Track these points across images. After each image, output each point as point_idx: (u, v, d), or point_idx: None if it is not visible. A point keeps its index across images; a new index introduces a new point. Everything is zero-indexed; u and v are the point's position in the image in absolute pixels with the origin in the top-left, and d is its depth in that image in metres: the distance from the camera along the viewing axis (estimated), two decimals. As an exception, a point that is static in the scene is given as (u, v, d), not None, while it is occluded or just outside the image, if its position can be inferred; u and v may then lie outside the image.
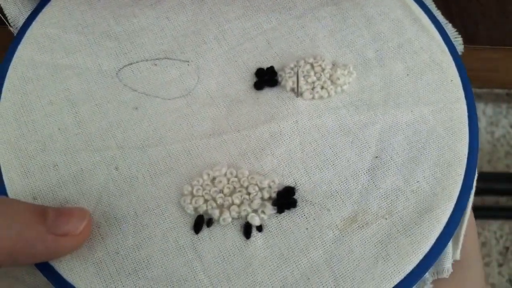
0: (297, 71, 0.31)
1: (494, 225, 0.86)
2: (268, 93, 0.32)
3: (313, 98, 0.31)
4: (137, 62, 0.32)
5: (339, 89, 0.31)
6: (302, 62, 0.32)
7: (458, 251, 0.29)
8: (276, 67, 0.32)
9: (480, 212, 0.80)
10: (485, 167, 0.85)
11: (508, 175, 0.81)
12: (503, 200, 0.84)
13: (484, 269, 0.81)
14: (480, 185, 0.30)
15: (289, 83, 0.31)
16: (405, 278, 0.26)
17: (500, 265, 0.83)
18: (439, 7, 0.36)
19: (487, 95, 0.78)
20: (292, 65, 0.32)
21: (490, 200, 0.83)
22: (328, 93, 0.31)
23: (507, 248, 0.85)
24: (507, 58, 0.65)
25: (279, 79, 0.32)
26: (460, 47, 0.34)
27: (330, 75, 0.32)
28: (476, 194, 0.30)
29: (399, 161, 0.29)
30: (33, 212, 0.24)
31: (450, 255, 0.28)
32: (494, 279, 0.82)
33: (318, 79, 0.32)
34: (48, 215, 0.24)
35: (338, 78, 0.31)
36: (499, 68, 0.67)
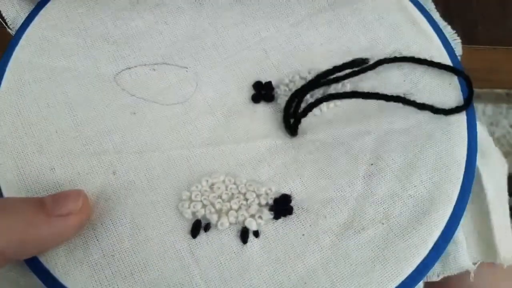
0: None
1: (494, 225, 0.85)
2: (265, 108, 0.32)
3: (306, 116, 0.31)
4: (135, 66, 0.32)
5: (331, 104, 0.31)
6: (297, 77, 0.32)
7: (501, 254, 0.29)
8: (272, 79, 0.32)
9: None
10: (485, 167, 0.84)
11: (508, 175, 0.81)
12: (503, 200, 0.83)
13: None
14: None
15: (284, 103, 0.31)
16: (403, 282, 0.26)
17: (500, 265, 0.83)
18: (439, 7, 0.36)
19: (487, 95, 0.78)
20: (287, 81, 0.32)
21: (490, 200, 0.83)
22: (321, 110, 0.31)
23: (507, 248, 0.84)
24: (507, 58, 0.65)
25: (276, 95, 0.32)
26: (459, 49, 0.34)
27: (324, 92, 0.31)
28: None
29: (395, 167, 0.29)
30: (31, 203, 0.25)
31: (465, 254, 0.29)
32: (494, 279, 0.82)
33: (311, 96, 0.31)
34: (45, 202, 0.25)
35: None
36: (499, 68, 0.67)
